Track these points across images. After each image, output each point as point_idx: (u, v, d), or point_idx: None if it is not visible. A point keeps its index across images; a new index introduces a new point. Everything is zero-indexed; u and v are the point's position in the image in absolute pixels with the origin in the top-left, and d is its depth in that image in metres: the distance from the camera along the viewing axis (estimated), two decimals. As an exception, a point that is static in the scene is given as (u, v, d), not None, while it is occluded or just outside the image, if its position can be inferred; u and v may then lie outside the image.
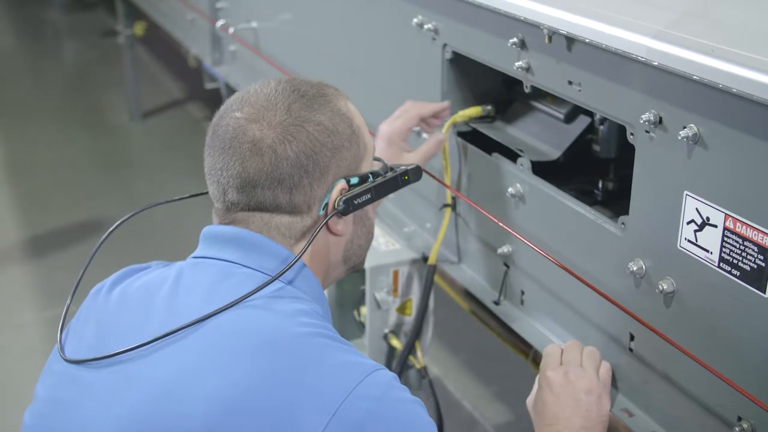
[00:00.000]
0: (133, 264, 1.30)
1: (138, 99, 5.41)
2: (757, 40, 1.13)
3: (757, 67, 1.06)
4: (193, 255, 1.25)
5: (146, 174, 4.72)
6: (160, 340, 1.10)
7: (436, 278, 1.86)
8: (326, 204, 1.21)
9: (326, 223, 1.21)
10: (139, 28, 5.36)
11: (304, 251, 1.19)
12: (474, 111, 1.74)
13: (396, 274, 1.90)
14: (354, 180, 1.23)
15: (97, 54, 6.82)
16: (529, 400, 1.39)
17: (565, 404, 1.32)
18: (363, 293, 1.93)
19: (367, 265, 1.88)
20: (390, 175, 1.30)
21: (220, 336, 1.09)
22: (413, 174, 1.35)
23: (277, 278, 1.16)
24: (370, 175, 1.26)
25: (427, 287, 1.81)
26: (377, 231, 2.02)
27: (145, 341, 1.10)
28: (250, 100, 1.22)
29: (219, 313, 1.10)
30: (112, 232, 1.32)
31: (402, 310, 1.92)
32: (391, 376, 1.11)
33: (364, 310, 1.94)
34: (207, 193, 1.26)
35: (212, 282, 1.17)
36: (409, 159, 1.66)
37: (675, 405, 1.33)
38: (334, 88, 1.27)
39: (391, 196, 1.32)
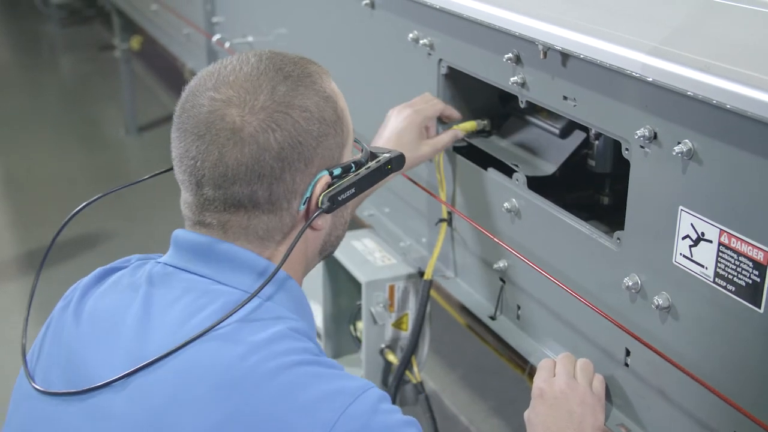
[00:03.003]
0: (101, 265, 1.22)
1: (134, 113, 5.41)
2: (751, 56, 1.14)
3: (751, 84, 1.06)
4: (164, 261, 1.16)
5: (142, 188, 4.71)
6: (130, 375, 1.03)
7: (433, 293, 1.86)
8: (308, 198, 1.12)
9: (308, 221, 1.13)
10: (135, 43, 5.37)
11: (284, 262, 1.10)
12: (470, 125, 1.74)
13: (392, 288, 1.90)
14: (337, 171, 1.14)
15: (94, 68, 6.83)
16: (527, 414, 1.38)
17: (559, 416, 1.31)
18: (359, 308, 1.93)
19: (363, 279, 1.88)
20: (373, 165, 1.21)
21: (184, 376, 1.02)
22: (396, 163, 1.26)
23: (249, 300, 1.07)
24: (353, 165, 1.17)
25: (424, 302, 1.81)
26: (373, 245, 2.03)
27: (115, 377, 1.03)
28: (228, 79, 1.10)
29: (188, 344, 1.03)
30: (68, 222, 1.25)
31: (398, 325, 1.92)
32: (376, 398, 1.04)
33: (360, 325, 1.94)
34: (171, 169, 1.16)
35: (184, 306, 1.08)
36: (424, 149, 1.64)
37: (671, 420, 1.33)
38: (317, 65, 1.17)
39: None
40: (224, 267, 1.11)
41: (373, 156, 1.23)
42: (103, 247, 3.91)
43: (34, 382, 1.11)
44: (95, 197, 1.26)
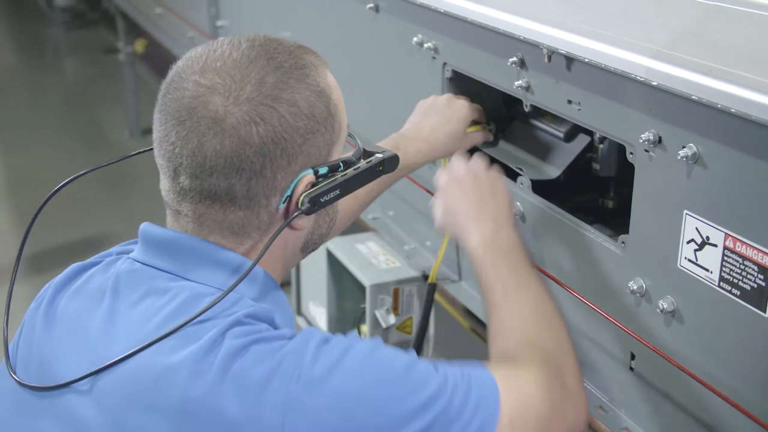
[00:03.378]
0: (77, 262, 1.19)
1: (138, 116, 5.42)
2: (755, 60, 1.14)
3: (756, 88, 1.06)
4: (133, 257, 1.11)
5: (145, 191, 4.72)
6: (92, 376, 1.01)
7: (437, 296, 1.86)
8: (288, 197, 1.06)
9: (285, 222, 1.07)
10: (139, 46, 5.38)
11: (258, 261, 1.05)
12: (475, 129, 1.74)
13: (396, 292, 1.90)
14: (323, 170, 1.08)
15: (98, 71, 6.84)
16: (435, 205, 1.45)
17: (474, 192, 1.41)
18: (363, 311, 1.93)
19: (368, 283, 1.89)
20: (363, 166, 1.14)
21: (137, 382, 0.99)
22: (389, 164, 1.19)
23: (220, 300, 1.02)
24: (341, 164, 1.11)
25: (428, 305, 1.81)
26: (377, 248, 2.03)
27: (76, 378, 1.01)
28: (215, 65, 1.05)
29: (145, 348, 0.99)
30: (45, 203, 1.22)
31: (402, 328, 1.92)
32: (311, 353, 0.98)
33: (364, 328, 1.94)
34: (152, 149, 1.11)
35: (147, 306, 1.04)
36: (465, 142, 1.64)
37: (676, 425, 1.33)
38: (314, 54, 1.12)
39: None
40: (192, 263, 1.07)
41: (366, 154, 1.17)
42: (105, 248, 3.91)
43: (14, 372, 1.09)
44: (82, 172, 1.22)
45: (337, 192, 1.10)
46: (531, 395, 1.09)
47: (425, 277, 1.85)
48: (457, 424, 1.00)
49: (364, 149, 1.18)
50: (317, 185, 1.08)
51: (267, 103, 1.03)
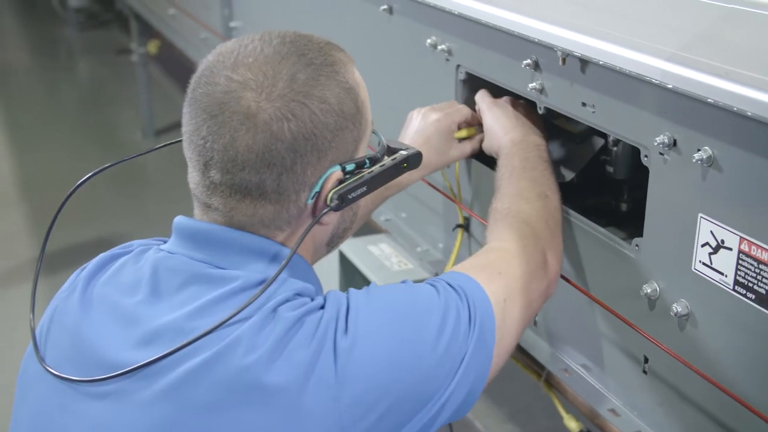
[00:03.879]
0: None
1: (151, 117, 5.44)
2: (771, 63, 1.13)
3: (772, 91, 1.06)
4: (168, 249, 1.13)
5: (159, 191, 4.73)
6: (140, 369, 1.02)
7: (449, 298, 1.86)
8: (316, 193, 1.09)
9: (315, 218, 1.10)
10: (152, 47, 5.40)
11: (296, 249, 1.08)
12: (466, 134, 1.69)
13: (408, 293, 1.89)
14: (350, 166, 1.10)
15: (111, 71, 6.86)
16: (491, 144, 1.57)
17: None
18: (375, 313, 1.93)
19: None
20: (388, 163, 1.17)
21: (187, 395, 1.00)
22: (413, 161, 1.22)
23: (265, 290, 1.03)
24: (367, 161, 1.14)
25: (440, 307, 1.81)
26: (390, 250, 2.03)
27: (140, 363, 1.02)
28: (247, 61, 1.06)
29: (205, 335, 1.01)
30: (70, 195, 1.24)
31: (414, 330, 1.91)
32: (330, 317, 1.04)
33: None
34: (180, 141, 1.13)
35: (192, 293, 1.06)
36: (453, 153, 1.62)
37: (690, 427, 1.32)
38: (342, 51, 1.14)
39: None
40: (230, 253, 1.08)
41: (390, 151, 1.20)
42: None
43: (46, 363, 1.10)
44: (104, 166, 1.25)
45: (364, 189, 1.13)
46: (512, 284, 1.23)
47: (438, 279, 1.85)
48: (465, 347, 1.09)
49: (387, 146, 1.20)
50: (345, 182, 1.11)
51: (299, 100, 1.04)
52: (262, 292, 1.03)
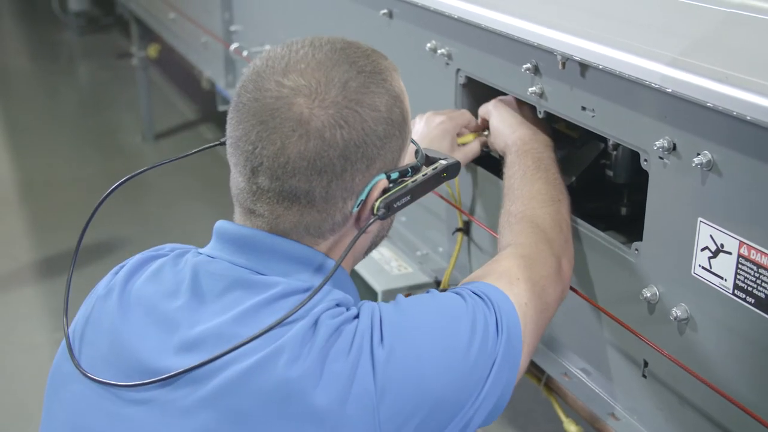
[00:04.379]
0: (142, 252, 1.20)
1: (151, 120, 5.45)
2: (771, 67, 1.14)
3: (772, 95, 1.06)
4: (208, 252, 1.12)
5: (158, 195, 4.74)
6: (183, 374, 1.01)
7: (449, 302, 1.86)
8: (362, 201, 1.09)
9: (362, 228, 1.10)
10: (152, 50, 5.40)
11: (341, 262, 1.08)
12: (469, 138, 1.70)
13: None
14: (394, 175, 1.11)
15: (111, 75, 6.87)
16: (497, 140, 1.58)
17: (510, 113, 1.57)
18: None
19: (380, 289, 1.88)
20: (430, 173, 1.18)
21: (233, 405, 1.00)
22: (452, 170, 1.23)
23: (311, 298, 1.04)
24: (410, 170, 1.14)
25: (440, 311, 1.81)
26: (389, 254, 2.03)
27: (185, 368, 1.01)
28: (298, 66, 1.05)
29: (248, 342, 1.00)
30: (101, 203, 1.25)
31: (414, 333, 1.91)
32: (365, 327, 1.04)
33: (376, 333, 1.93)
34: (224, 143, 1.13)
35: (235, 298, 1.06)
36: (457, 157, 1.57)
37: (690, 431, 1.32)
38: (387, 60, 1.14)
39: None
40: (274, 259, 1.08)
41: (428, 161, 1.21)
42: (119, 253, 3.93)
43: (82, 367, 1.09)
44: (133, 174, 1.25)
45: (408, 198, 1.14)
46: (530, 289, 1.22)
47: (438, 283, 1.85)
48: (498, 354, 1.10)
49: (425, 154, 1.21)
50: (389, 190, 1.11)
51: (351, 107, 1.04)
52: (310, 298, 1.03)
